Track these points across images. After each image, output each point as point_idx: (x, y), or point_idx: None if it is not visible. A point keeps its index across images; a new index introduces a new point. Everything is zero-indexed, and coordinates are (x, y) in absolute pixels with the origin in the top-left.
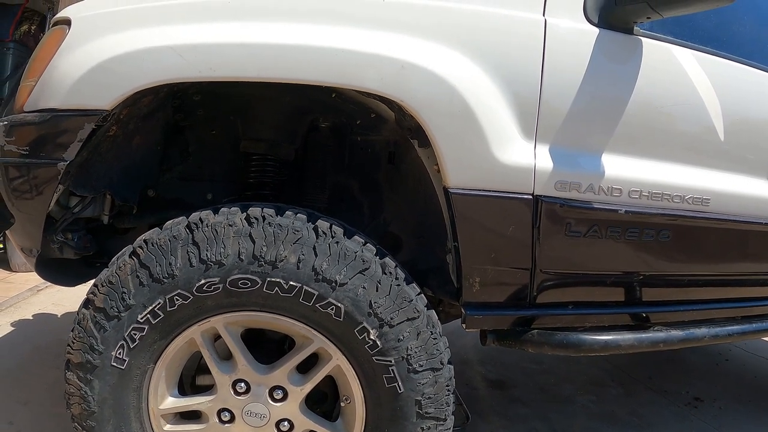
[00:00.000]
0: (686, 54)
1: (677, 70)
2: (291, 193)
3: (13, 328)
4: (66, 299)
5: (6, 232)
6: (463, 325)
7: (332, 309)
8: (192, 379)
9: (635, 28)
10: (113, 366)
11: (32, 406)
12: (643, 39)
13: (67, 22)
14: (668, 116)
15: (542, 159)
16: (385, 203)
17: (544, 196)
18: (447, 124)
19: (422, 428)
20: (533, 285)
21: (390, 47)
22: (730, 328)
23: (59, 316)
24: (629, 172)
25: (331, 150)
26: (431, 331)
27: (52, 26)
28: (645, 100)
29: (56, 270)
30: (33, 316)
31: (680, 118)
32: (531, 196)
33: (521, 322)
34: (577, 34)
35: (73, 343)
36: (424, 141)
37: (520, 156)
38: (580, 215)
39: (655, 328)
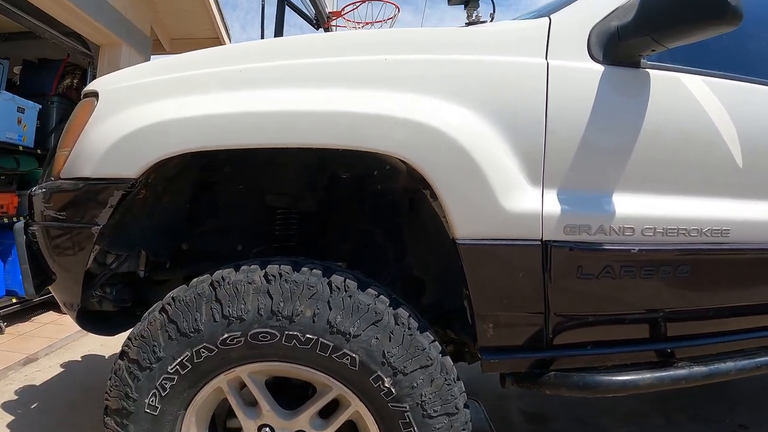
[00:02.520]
0: (696, 81)
1: (687, 99)
2: (316, 242)
3: (62, 369)
4: (113, 340)
5: (48, 287)
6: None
7: (347, 359)
8: (224, 421)
9: (642, 61)
10: (146, 412)
11: None
12: (651, 71)
13: (96, 95)
14: (681, 148)
15: (550, 204)
16: (408, 248)
17: (554, 241)
18: (451, 177)
19: None
20: (548, 328)
21: (391, 105)
22: (759, 359)
23: (107, 357)
24: (642, 209)
25: (352, 199)
26: (445, 378)
27: (83, 98)
28: (655, 134)
29: (96, 321)
30: (82, 357)
31: (694, 148)
32: (540, 242)
33: (539, 364)
34: (582, 73)
35: (111, 390)
36: (434, 193)
37: (527, 203)
38: (591, 257)
39: (678, 364)
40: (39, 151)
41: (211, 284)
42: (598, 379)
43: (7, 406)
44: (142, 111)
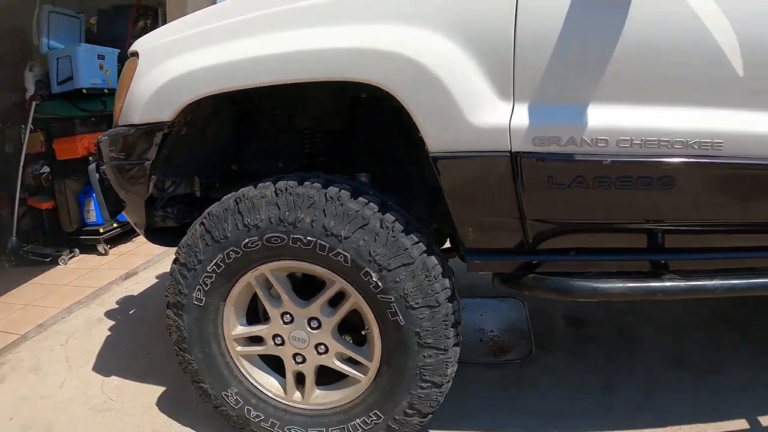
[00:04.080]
0: None
1: (678, 4)
2: (343, 158)
3: (158, 280)
4: None
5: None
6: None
7: (341, 257)
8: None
9: None
10: (194, 304)
11: (167, 343)
12: None
13: (137, 54)
14: (667, 58)
15: (519, 117)
16: (425, 163)
17: (522, 152)
18: (420, 98)
19: (424, 356)
20: (527, 233)
21: (361, 38)
22: (754, 280)
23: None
24: (617, 120)
25: (372, 118)
26: (426, 275)
27: (129, 56)
28: (636, 44)
29: (165, 235)
30: None
31: (683, 57)
32: (508, 153)
33: (525, 267)
34: None
35: (169, 289)
36: None
37: (493, 117)
38: (561, 168)
39: (664, 276)
40: None
41: (235, 200)
42: (569, 284)
43: (109, 314)
44: (171, 65)
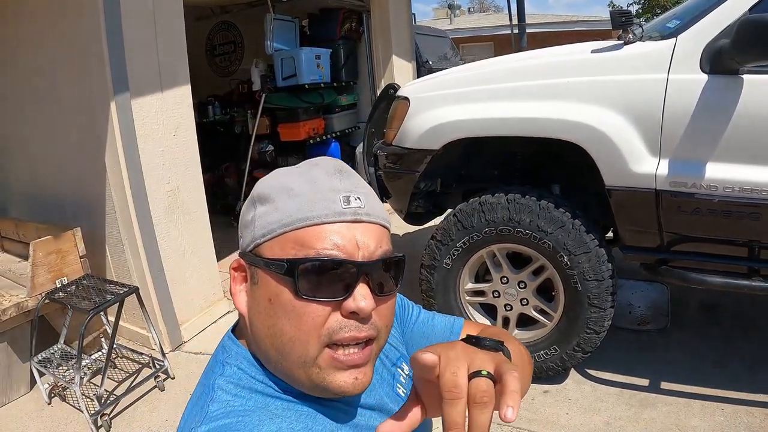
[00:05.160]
0: None
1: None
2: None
3: None
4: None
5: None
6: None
7: (546, 245)
8: (483, 275)
9: (740, 69)
10: (444, 267)
11: None
12: (746, 76)
13: (408, 99)
14: (761, 131)
15: (662, 167)
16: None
17: (662, 190)
18: (600, 151)
19: (590, 311)
20: (663, 239)
21: (565, 112)
22: None
23: (400, 235)
24: (724, 174)
25: (555, 158)
26: (597, 260)
27: (399, 99)
28: (739, 124)
29: (413, 217)
30: (402, 234)
31: None
32: (654, 190)
33: (661, 261)
34: (691, 83)
35: (424, 256)
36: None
37: (646, 167)
38: (686, 201)
39: (753, 278)
40: (335, 84)
41: (479, 202)
42: (687, 275)
43: None
44: (438, 113)
